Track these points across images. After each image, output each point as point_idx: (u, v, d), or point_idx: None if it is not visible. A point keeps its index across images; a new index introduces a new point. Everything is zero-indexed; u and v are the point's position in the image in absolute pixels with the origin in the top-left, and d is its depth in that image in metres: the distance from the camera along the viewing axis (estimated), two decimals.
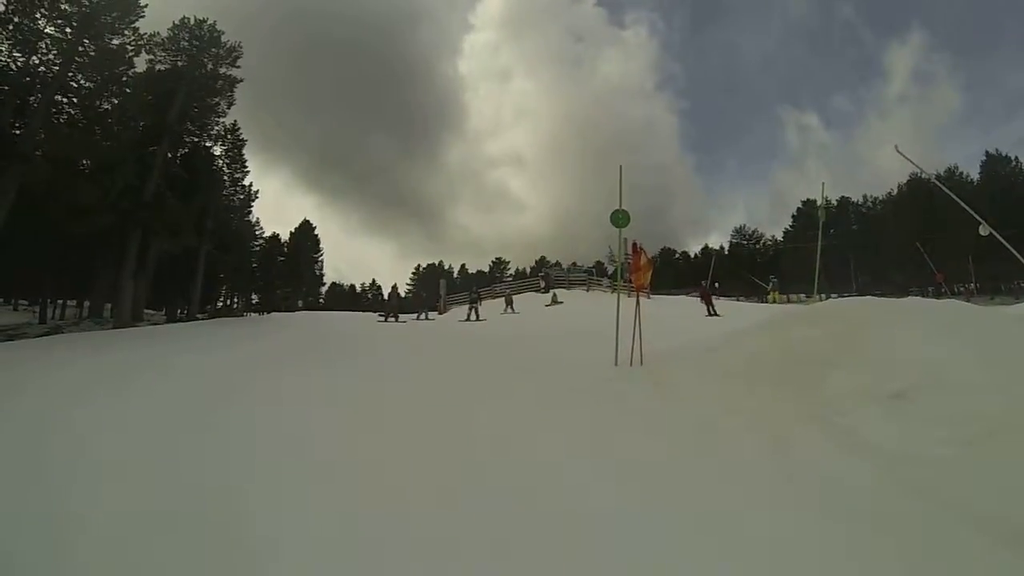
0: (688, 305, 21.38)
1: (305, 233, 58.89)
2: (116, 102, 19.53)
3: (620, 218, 8.14)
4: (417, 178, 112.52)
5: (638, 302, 8.13)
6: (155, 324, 20.90)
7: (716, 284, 44.43)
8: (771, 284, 27.79)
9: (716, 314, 17.81)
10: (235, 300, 29.91)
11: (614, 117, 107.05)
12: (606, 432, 5.10)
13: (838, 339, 5.60)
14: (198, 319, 23.33)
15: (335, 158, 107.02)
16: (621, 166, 8.47)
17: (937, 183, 28.27)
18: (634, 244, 8.09)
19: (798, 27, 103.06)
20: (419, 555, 3.00)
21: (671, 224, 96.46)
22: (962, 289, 40.37)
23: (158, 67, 23.26)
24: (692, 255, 68.36)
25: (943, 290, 33.00)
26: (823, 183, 22.03)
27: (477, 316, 22.92)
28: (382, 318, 23.67)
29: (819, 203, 12.59)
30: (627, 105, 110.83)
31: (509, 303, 25.43)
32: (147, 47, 22.00)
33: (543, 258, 67.34)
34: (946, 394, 4.16)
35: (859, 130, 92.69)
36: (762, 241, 63.50)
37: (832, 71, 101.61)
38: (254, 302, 29.96)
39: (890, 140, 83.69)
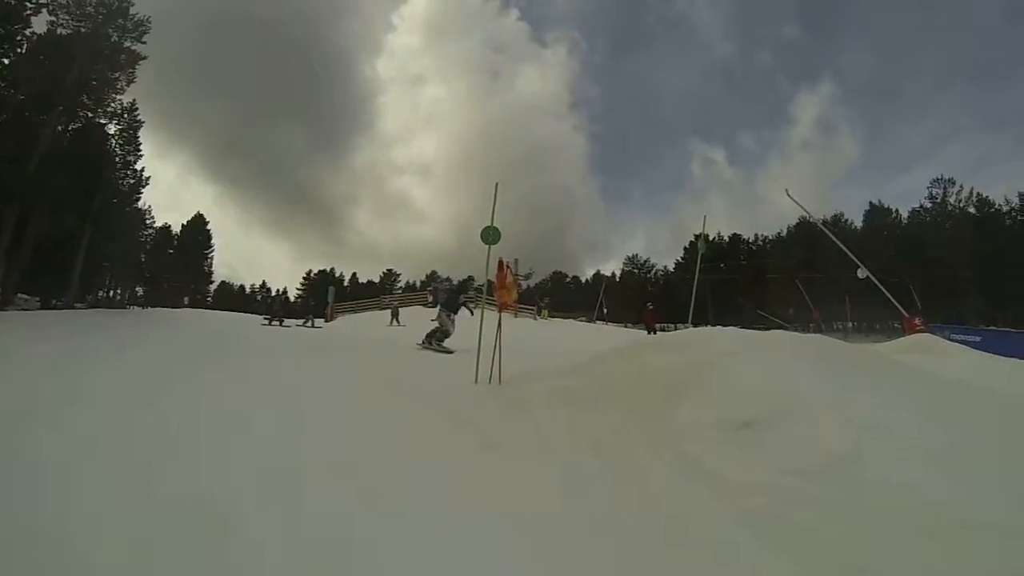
0: (572, 328, 21.83)
1: (198, 227, 56.36)
2: (6, 62, 18.27)
3: (491, 235, 8.13)
4: (320, 177, 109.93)
5: (500, 321, 8.00)
6: (26, 310, 19.54)
7: (604, 310, 45.96)
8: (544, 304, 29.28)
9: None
10: (118, 291, 28.49)
11: (525, 134, 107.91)
12: (444, 448, 4.92)
13: (691, 367, 5.59)
14: (76, 308, 22.06)
15: (239, 146, 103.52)
16: (497, 183, 8.49)
17: (823, 228, 30.37)
18: (500, 261, 8.20)
19: (717, 65, 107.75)
20: None
21: (569, 247, 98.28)
22: (839, 327, 43.25)
23: (59, 31, 21.49)
24: (584, 280, 70.05)
25: (821, 327, 35.12)
26: (704, 216, 23.12)
27: (398, 322, 24.19)
28: (266, 322, 23.20)
29: (700, 235, 13.27)
30: (539, 123, 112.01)
31: (395, 316, 25.76)
32: (49, 7, 20.54)
33: (434, 272, 67.48)
34: (794, 425, 4.17)
35: (761, 170, 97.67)
36: (653, 270, 66.03)
37: (742, 111, 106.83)
38: (139, 294, 28.64)
39: (789, 182, 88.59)
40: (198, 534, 3.10)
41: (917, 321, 19.97)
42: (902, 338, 16.60)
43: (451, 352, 11.96)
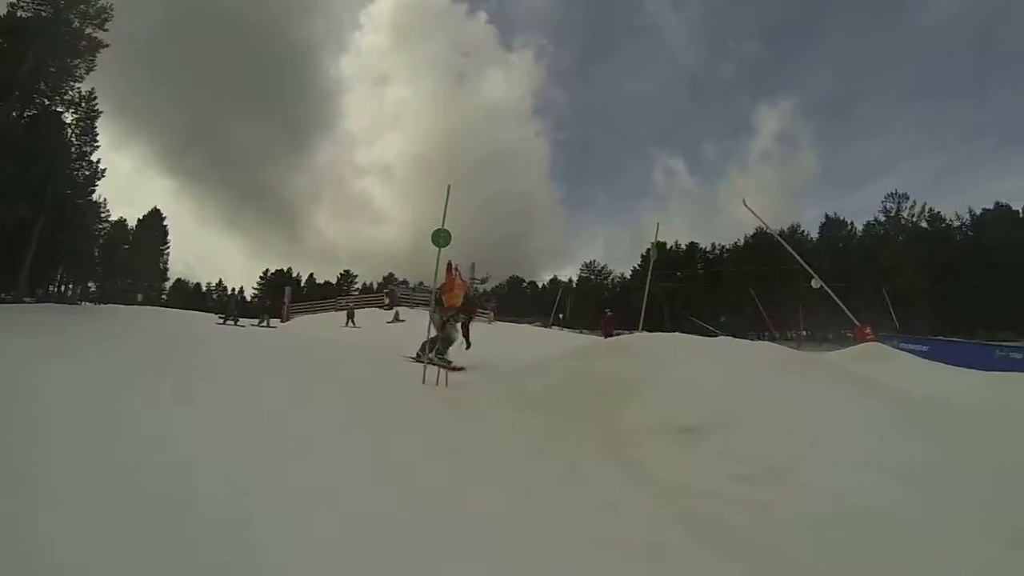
0: (525, 333, 21.98)
1: (154, 222, 55.02)
2: None
3: (441, 238, 8.12)
4: (281, 175, 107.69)
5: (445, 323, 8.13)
6: None
7: (561, 315, 46.30)
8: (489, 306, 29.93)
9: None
10: (70, 286, 27.70)
11: (488, 138, 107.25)
12: (391, 450, 4.85)
13: (637, 372, 5.60)
14: (26, 303, 21.41)
15: (198, 140, 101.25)
16: (449, 185, 8.45)
17: (779, 238, 31.17)
18: (448, 264, 8.23)
19: (682, 76, 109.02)
20: None
21: (528, 252, 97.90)
22: (792, 335, 44.28)
23: (20, 13, 20.96)
24: (540, 285, 70.23)
25: (775, 336, 35.93)
26: (657, 224, 23.61)
27: (353, 324, 24.15)
28: (221, 321, 22.87)
29: (653, 243, 13.46)
30: (503, 128, 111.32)
31: (351, 317, 25.66)
32: None
33: (391, 275, 66.37)
34: (736, 431, 4.19)
35: (721, 180, 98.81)
36: (610, 277, 66.56)
37: (705, 121, 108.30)
38: (91, 290, 27.84)
39: (749, 193, 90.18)
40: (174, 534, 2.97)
41: (868, 330, 20.50)
42: (852, 347, 17.04)
43: (457, 368, 9.38)
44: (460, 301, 8.94)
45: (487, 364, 9.08)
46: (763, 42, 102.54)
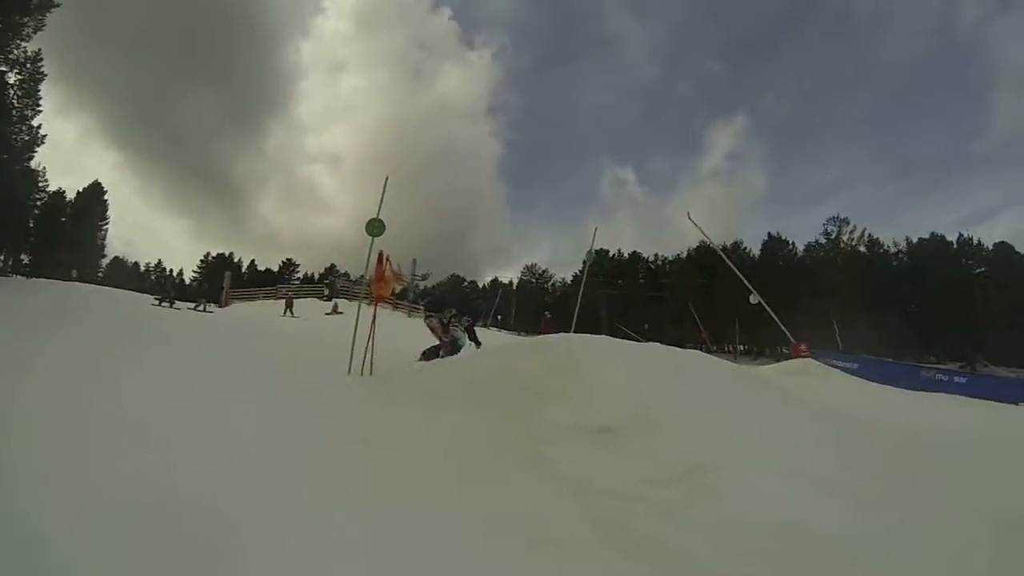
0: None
1: (95, 195, 53.45)
2: None
3: (375, 227, 7.95)
4: (229, 156, 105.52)
5: (375, 314, 7.89)
6: None
7: (499, 317, 46.40)
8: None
9: None
10: (1, 257, 26.19)
11: (440, 134, 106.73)
12: (310, 440, 4.65)
13: (558, 371, 5.53)
14: None
15: (147, 113, 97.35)
16: (387, 176, 8.30)
17: (720, 253, 31.72)
18: (380, 254, 8.02)
19: (639, 88, 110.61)
20: None
21: (471, 252, 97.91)
22: (729, 349, 45.33)
23: None
24: (482, 285, 70.18)
25: (710, 347, 36.67)
26: (595, 228, 23.71)
27: (292, 313, 24.14)
28: (157, 302, 22.10)
29: (590, 248, 13.49)
30: (456, 125, 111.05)
31: (289, 306, 25.46)
32: None
33: (333, 266, 66.04)
34: (654, 434, 4.18)
35: (670, 193, 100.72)
36: (551, 281, 67.18)
37: (658, 135, 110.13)
38: (24, 263, 26.43)
39: (696, 208, 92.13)
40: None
41: (803, 347, 20.94)
42: (785, 361, 17.48)
43: None
44: (390, 292, 8.64)
45: (412, 359, 8.82)
46: (722, 61, 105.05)
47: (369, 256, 7.92)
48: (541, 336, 7.60)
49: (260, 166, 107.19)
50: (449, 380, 6.29)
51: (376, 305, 8.22)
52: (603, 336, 7.67)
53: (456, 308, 9.93)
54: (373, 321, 7.70)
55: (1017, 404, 15.23)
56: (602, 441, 4.21)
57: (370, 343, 7.51)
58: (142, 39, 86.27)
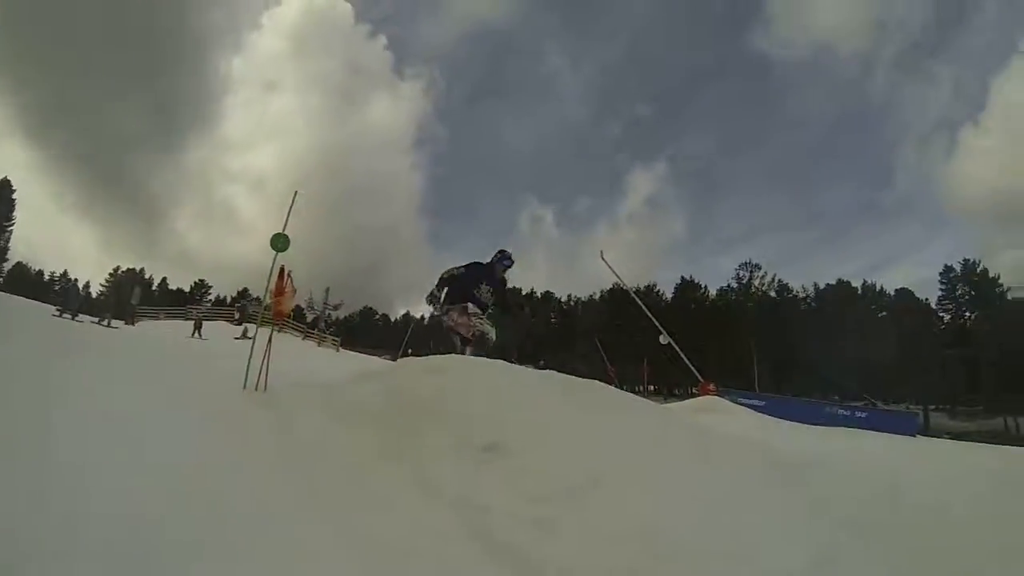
0: (365, 361, 22.36)
1: (2, 194, 50.44)
2: None
3: (280, 241, 7.71)
4: (148, 167, 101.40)
5: (272, 333, 7.70)
6: None
7: (409, 351, 45.93)
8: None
9: None
10: None
11: (365, 163, 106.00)
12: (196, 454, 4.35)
13: (446, 391, 5.58)
14: None
15: (67, 113, 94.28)
16: (296, 191, 8.19)
17: (632, 294, 32.57)
18: (282, 268, 7.74)
19: (568, 129, 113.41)
20: None
21: (386, 285, 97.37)
22: (639, 389, 46.30)
23: None
24: (393, 319, 70.01)
25: (619, 385, 37.35)
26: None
27: (200, 335, 23.60)
28: (58, 313, 20.51)
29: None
30: (381, 155, 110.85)
31: (198, 327, 24.93)
32: None
33: (245, 290, 64.53)
34: (538, 453, 4.26)
35: (587, 234, 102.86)
36: None
37: (580, 176, 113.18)
38: None
39: (613, 250, 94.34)
40: None
41: (711, 387, 21.57)
42: (692, 399, 18.01)
43: None
44: (290, 309, 8.33)
45: (310, 380, 8.57)
46: (649, 107, 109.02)
47: (272, 271, 7.62)
48: (435, 357, 7.38)
49: (179, 181, 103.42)
50: (343, 399, 6.21)
51: (275, 321, 7.94)
52: (498, 360, 7.58)
53: (484, 281, 8.17)
54: (269, 341, 7.52)
55: (914, 436, 16.23)
56: (486, 459, 4.24)
57: (266, 359, 7.28)
58: (70, 35, 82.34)
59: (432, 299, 8.41)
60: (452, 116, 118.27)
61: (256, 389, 7.09)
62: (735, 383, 32.66)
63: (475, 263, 8.33)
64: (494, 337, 8.27)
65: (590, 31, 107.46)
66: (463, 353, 8.00)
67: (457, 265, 8.32)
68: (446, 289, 8.27)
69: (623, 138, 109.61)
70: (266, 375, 7.26)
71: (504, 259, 8.47)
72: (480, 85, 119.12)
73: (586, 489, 3.75)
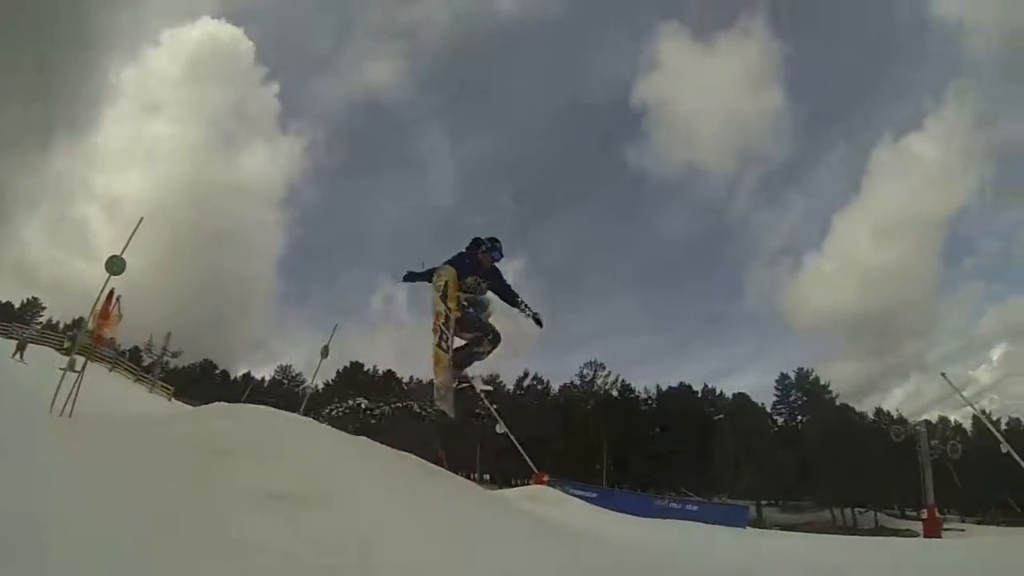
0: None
1: None
2: None
3: (116, 264, 7.38)
4: (11, 167, 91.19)
5: (89, 356, 7.30)
6: None
7: None
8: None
9: None
10: None
11: (232, 209, 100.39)
12: None
13: (243, 438, 5.53)
14: None
15: None
16: (142, 217, 8.11)
17: (472, 383, 32.94)
18: (111, 292, 7.34)
19: (432, 212, 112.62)
20: None
21: (232, 340, 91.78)
22: (473, 476, 46.27)
23: None
24: (233, 377, 65.83)
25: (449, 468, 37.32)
26: (336, 326, 23.52)
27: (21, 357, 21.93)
28: None
29: (326, 344, 13.44)
30: (250, 205, 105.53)
31: (21, 349, 23.18)
32: None
33: (81, 319, 58.89)
34: (325, 504, 4.32)
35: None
36: (302, 386, 64.59)
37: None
38: None
39: None
40: None
41: (545, 478, 21.98)
42: (522, 487, 18.34)
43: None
44: (113, 334, 7.86)
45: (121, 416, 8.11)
46: (516, 202, 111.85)
47: (103, 290, 7.21)
48: (229, 404, 7.25)
49: (39, 186, 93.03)
50: (143, 436, 6.12)
51: (94, 345, 7.48)
52: (299, 416, 7.51)
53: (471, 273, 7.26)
54: (84, 367, 7.32)
55: (744, 528, 17.23)
56: (275, 507, 4.24)
57: (77, 384, 7.01)
58: None
59: (407, 279, 7.74)
60: (325, 181, 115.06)
61: (60, 415, 6.77)
62: (579, 478, 33.39)
63: (455, 256, 7.46)
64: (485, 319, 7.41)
65: (473, 118, 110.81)
66: (471, 353, 7.31)
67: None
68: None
69: (485, 228, 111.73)
70: (75, 401, 6.97)
71: (493, 250, 7.42)
72: (358, 154, 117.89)
73: (364, 545, 3.86)
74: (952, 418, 59.30)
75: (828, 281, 78.17)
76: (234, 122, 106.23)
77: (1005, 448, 21.65)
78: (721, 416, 54.99)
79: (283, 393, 58.95)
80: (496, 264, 7.48)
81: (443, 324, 6.97)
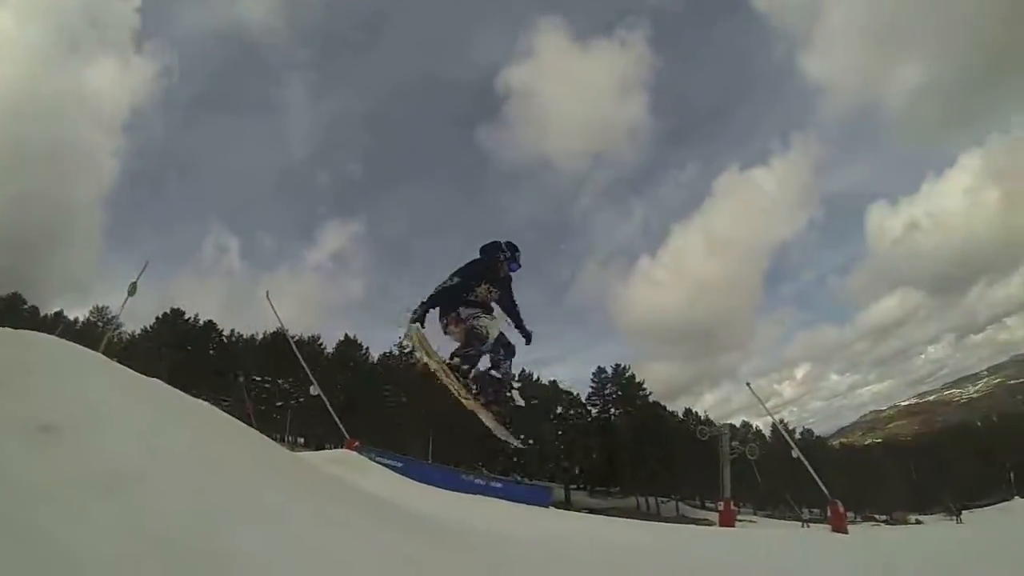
0: None
1: None
2: None
3: None
4: None
5: None
6: None
7: None
8: None
9: None
10: None
11: (65, 128, 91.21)
12: None
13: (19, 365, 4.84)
14: None
15: None
16: None
17: (291, 340, 32.06)
18: None
19: (279, 163, 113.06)
20: None
21: (46, 273, 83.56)
22: (279, 438, 45.27)
23: None
24: (44, 314, 62.27)
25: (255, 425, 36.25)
26: (147, 262, 22.03)
27: None
28: None
29: (134, 280, 12.45)
30: (84, 126, 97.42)
31: None
32: None
33: None
34: (99, 435, 4.05)
35: (268, 273, 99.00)
36: (118, 330, 59.92)
37: (279, 214, 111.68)
38: None
39: (290, 295, 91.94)
40: None
41: (356, 444, 21.79)
42: (327, 451, 18.10)
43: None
44: None
45: None
46: (364, 169, 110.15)
47: None
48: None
49: None
50: None
51: None
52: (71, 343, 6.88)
53: (486, 280, 7.04)
54: None
55: (546, 507, 18.15)
56: (42, 439, 3.84)
57: None
58: None
59: (418, 318, 7.41)
60: (174, 112, 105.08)
61: None
62: (394, 449, 33.43)
63: (471, 262, 7.22)
64: (493, 333, 7.09)
65: (338, 77, 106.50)
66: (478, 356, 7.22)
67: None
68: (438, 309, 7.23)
69: (330, 189, 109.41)
70: None
71: (512, 260, 7.25)
72: (214, 89, 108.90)
73: (129, 479, 3.64)
74: (755, 424, 68.12)
75: (657, 287, 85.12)
76: (85, 29, 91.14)
77: (796, 454, 24.62)
78: (536, 401, 57.10)
79: (98, 335, 53.72)
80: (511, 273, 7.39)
81: (449, 376, 7.03)
